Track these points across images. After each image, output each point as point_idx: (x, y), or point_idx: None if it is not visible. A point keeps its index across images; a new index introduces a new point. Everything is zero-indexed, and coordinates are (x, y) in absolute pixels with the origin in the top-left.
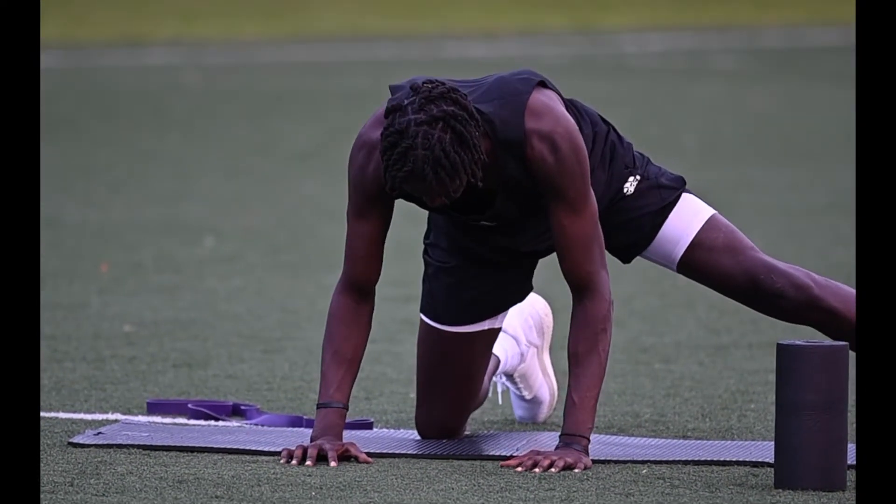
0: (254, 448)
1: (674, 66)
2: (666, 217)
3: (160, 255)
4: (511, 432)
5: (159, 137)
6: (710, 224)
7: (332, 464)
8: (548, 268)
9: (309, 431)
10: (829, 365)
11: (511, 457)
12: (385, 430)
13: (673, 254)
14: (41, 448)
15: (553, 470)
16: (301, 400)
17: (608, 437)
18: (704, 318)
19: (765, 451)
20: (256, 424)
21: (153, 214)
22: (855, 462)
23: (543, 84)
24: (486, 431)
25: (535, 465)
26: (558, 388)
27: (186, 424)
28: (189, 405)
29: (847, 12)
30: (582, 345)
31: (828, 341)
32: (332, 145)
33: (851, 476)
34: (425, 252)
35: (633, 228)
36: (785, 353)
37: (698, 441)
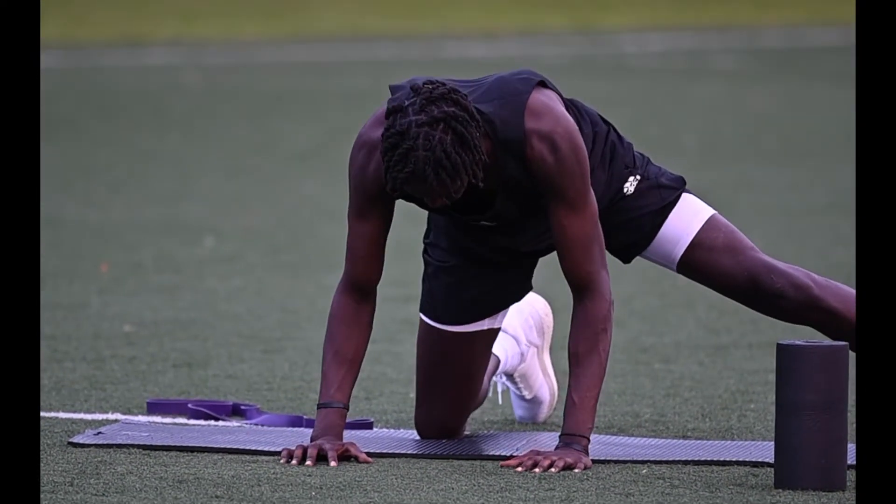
0: (254, 448)
1: (674, 66)
2: (666, 217)
3: (160, 255)
4: (511, 432)
5: (159, 137)
6: (710, 224)
7: (332, 464)
8: (548, 267)
9: (309, 431)
10: (828, 365)
11: (511, 457)
12: (385, 430)
13: (673, 254)
14: (41, 448)
15: (553, 470)
16: (301, 400)
17: (608, 437)
18: (704, 318)
19: (765, 451)
20: (256, 424)
21: (153, 214)
22: (855, 462)
23: (543, 84)
24: (485, 431)
25: (535, 465)
26: (558, 388)
27: (186, 424)
28: (189, 405)
29: (847, 12)
30: (582, 345)
31: (828, 341)
32: (332, 145)
33: (851, 476)
34: (425, 251)
35: (633, 228)
36: (785, 353)
37: (698, 441)
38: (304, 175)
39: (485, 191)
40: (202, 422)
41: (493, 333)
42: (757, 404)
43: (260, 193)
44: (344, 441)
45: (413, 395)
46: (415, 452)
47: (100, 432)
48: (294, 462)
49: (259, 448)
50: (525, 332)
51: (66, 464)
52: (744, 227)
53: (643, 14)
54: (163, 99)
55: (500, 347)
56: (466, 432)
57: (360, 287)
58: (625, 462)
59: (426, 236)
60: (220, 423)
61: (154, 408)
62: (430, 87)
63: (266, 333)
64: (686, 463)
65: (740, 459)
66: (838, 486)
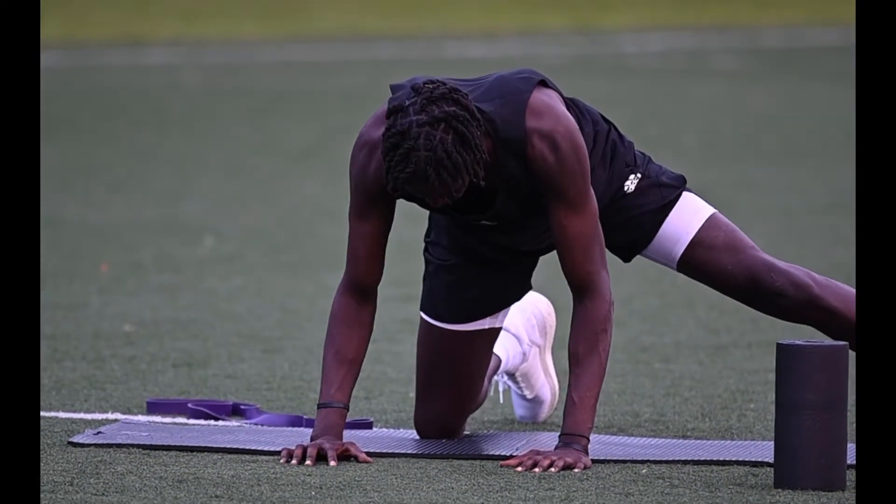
0: (253, 448)
1: (674, 66)
2: (666, 215)
3: (160, 255)
4: (511, 432)
5: (159, 137)
6: (710, 223)
7: (332, 463)
8: (549, 267)
9: (309, 431)
10: (828, 365)
11: (511, 456)
12: (385, 429)
13: (673, 252)
14: (41, 447)
15: (553, 469)
16: (301, 399)
17: (608, 436)
18: (704, 317)
19: (764, 450)
20: (256, 424)
21: (153, 214)
22: (855, 462)
23: (544, 83)
24: (485, 431)
25: (534, 464)
26: (559, 389)
27: (186, 424)
28: (189, 405)
29: (847, 12)
30: (582, 345)
31: (828, 341)
32: (331, 145)
33: (851, 476)
34: (426, 250)
35: (634, 227)
36: (785, 353)
37: (698, 441)
38: (304, 175)
39: (486, 190)
40: (202, 421)
41: (493, 333)
42: (757, 404)
43: (260, 193)
44: (344, 441)
45: (413, 394)
46: (414, 452)
47: (99, 432)
48: (294, 462)
49: (259, 448)
50: (528, 331)
51: (65, 463)
52: (744, 227)
53: (643, 14)
54: (163, 99)
55: (501, 347)
56: (466, 432)
57: (361, 288)
58: (624, 462)
59: (427, 235)
60: (220, 422)
61: (154, 407)
62: (431, 86)
63: (266, 333)
64: (686, 463)
65: (740, 459)
66: (838, 485)
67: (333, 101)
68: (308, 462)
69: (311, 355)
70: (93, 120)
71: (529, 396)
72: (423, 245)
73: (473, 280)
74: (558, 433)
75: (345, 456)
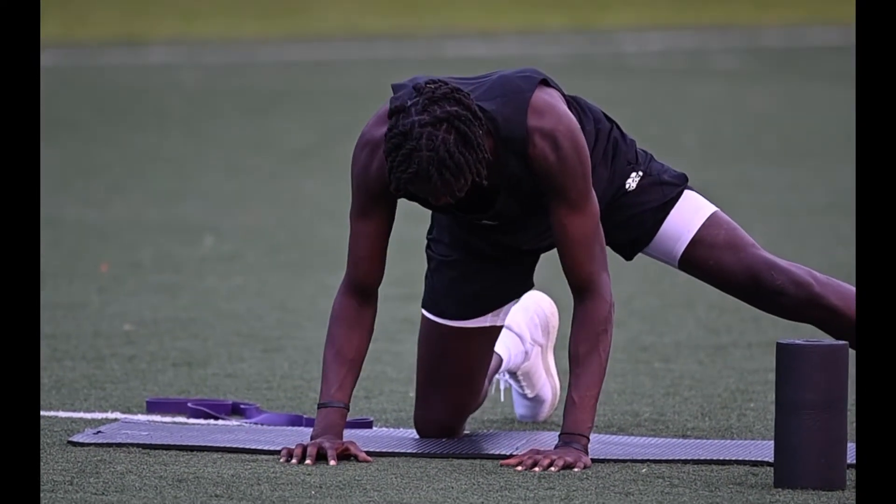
0: (253, 447)
1: (674, 66)
2: (668, 213)
3: (160, 255)
4: (511, 431)
5: (159, 137)
6: (711, 221)
7: (332, 462)
8: (550, 266)
9: (309, 430)
10: (828, 364)
11: (511, 456)
12: (385, 429)
13: (674, 250)
14: (41, 447)
15: (553, 469)
16: (301, 399)
17: (608, 436)
18: (704, 317)
19: (764, 450)
20: (256, 423)
21: (153, 214)
22: (855, 461)
23: (546, 82)
24: (485, 430)
25: (534, 464)
26: (560, 388)
27: (186, 423)
28: (189, 404)
29: (847, 12)
30: (582, 345)
31: (827, 340)
32: (331, 144)
33: (851, 475)
34: (428, 247)
35: (635, 225)
36: (784, 353)
37: (698, 440)
38: (304, 174)
39: (487, 189)
40: (202, 421)
41: (494, 331)
42: (757, 403)
43: (260, 192)
44: (344, 440)
45: (413, 394)
46: (414, 451)
47: (99, 431)
48: (294, 461)
49: (259, 447)
50: (530, 330)
51: (65, 463)
52: (744, 227)
53: (643, 13)
54: (163, 99)
55: (503, 345)
56: (466, 431)
57: (362, 289)
58: (624, 461)
59: (429, 232)
60: (220, 422)
61: (154, 407)
62: (433, 86)
63: (266, 333)
64: (686, 462)
65: (740, 458)
66: (838, 485)
67: (333, 101)
68: (308, 461)
69: (311, 355)
70: (93, 120)
71: (530, 395)
72: (424, 244)
73: (475, 275)
74: (558, 433)
75: (345, 455)
